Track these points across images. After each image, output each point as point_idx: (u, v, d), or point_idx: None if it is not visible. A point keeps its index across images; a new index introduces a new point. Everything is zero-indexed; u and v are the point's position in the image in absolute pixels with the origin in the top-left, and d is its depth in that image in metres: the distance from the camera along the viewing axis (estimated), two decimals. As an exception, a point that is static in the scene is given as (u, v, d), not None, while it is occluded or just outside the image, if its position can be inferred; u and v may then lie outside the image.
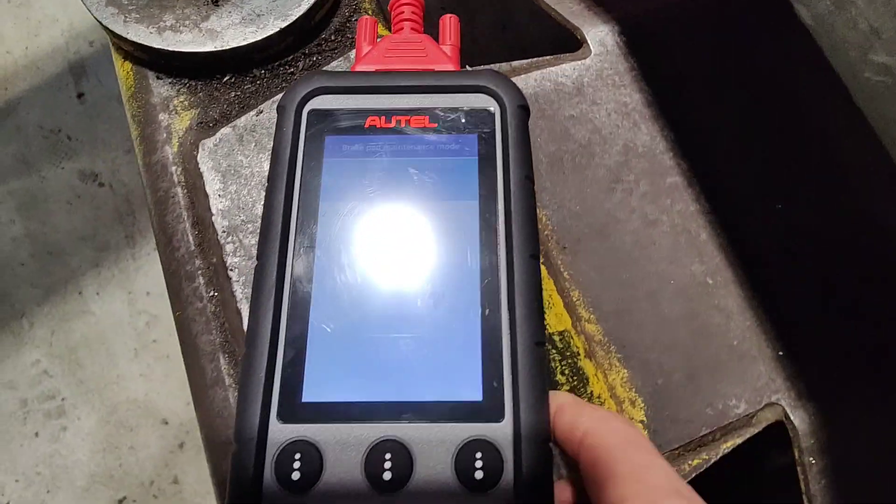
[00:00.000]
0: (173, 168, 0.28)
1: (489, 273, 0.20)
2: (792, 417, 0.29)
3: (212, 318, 0.25)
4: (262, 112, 0.29)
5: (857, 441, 0.29)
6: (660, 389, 0.29)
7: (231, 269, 0.26)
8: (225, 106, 0.29)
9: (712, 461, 0.28)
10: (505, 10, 0.52)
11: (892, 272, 0.32)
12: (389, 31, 0.29)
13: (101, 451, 0.90)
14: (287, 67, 0.31)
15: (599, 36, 0.36)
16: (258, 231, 0.27)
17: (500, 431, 0.19)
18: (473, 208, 0.21)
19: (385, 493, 0.18)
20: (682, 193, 0.33)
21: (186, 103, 0.30)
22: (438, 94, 0.23)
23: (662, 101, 0.35)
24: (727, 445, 0.29)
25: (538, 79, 0.35)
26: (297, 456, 0.18)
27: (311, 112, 0.23)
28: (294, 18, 0.30)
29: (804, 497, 0.29)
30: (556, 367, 0.28)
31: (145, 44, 0.29)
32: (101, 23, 0.31)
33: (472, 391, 0.19)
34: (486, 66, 0.32)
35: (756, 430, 0.29)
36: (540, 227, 0.31)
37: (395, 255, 0.22)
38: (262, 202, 0.27)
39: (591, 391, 0.28)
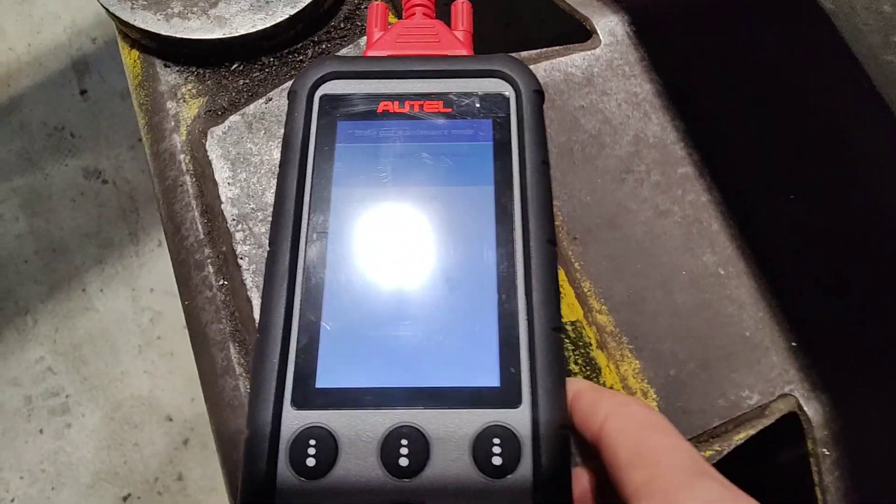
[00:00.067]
0: (181, 156, 0.28)
1: (505, 258, 0.20)
2: (805, 408, 0.29)
3: (221, 306, 0.25)
4: (271, 99, 0.28)
5: (871, 432, 0.29)
6: (672, 380, 0.29)
7: (241, 258, 0.25)
8: (233, 94, 0.29)
9: (725, 453, 0.28)
10: (510, 6, 0.52)
11: (906, 262, 0.31)
12: (399, 19, 0.29)
13: (106, 447, 0.90)
14: (296, 55, 0.30)
15: (609, 26, 0.36)
16: (268, 219, 0.27)
17: (518, 417, 0.18)
18: (489, 193, 0.21)
19: (401, 480, 0.18)
20: (693, 184, 0.33)
21: (194, 91, 0.30)
22: (452, 78, 0.23)
23: (673, 92, 0.35)
24: (740, 437, 0.29)
25: (548, 69, 0.35)
26: (312, 442, 0.18)
27: (322, 97, 0.23)
28: (303, 5, 0.30)
29: (817, 489, 0.29)
30: (569, 357, 0.28)
31: (153, 31, 0.29)
32: (107, 10, 0.31)
33: (489, 377, 0.19)
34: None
35: (769, 422, 0.29)
36: (550, 217, 0.31)
37: (410, 240, 0.21)
38: (273, 190, 0.27)
39: (604, 382, 0.28)
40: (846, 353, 0.30)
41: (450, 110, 0.23)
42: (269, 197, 0.27)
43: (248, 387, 0.24)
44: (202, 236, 0.26)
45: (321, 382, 0.19)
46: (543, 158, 0.22)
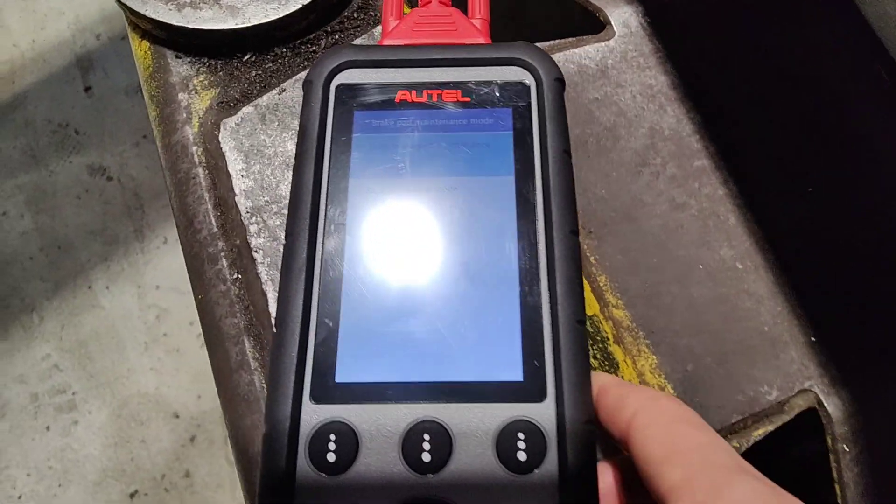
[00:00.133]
0: (194, 148, 0.28)
1: (528, 250, 0.20)
2: (825, 404, 0.29)
3: (236, 300, 0.25)
4: (284, 91, 0.28)
5: (892, 428, 0.29)
6: (690, 375, 0.29)
7: (255, 251, 0.25)
8: (246, 85, 0.29)
9: (743, 449, 0.28)
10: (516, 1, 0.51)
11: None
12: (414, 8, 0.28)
13: (113, 444, 0.90)
14: (309, 46, 0.30)
15: (623, 17, 0.36)
16: (283, 212, 0.27)
17: (543, 412, 0.18)
18: (510, 183, 0.21)
19: (424, 475, 0.18)
20: (709, 177, 0.32)
21: (206, 83, 0.29)
22: (471, 67, 0.23)
23: (688, 83, 0.35)
24: (759, 433, 0.28)
25: (561, 61, 0.34)
26: (332, 437, 0.18)
27: (339, 87, 0.23)
28: (317, -6, 0.30)
29: (836, 485, 0.29)
30: (586, 353, 0.28)
31: (164, 21, 0.29)
32: (118, 0, 0.30)
33: (513, 371, 0.19)
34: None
35: (788, 417, 0.29)
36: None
37: (430, 232, 0.21)
38: (287, 182, 0.27)
39: (622, 377, 0.28)
40: (866, 348, 0.29)
41: (468, 99, 0.22)
42: (284, 189, 0.26)
43: (265, 382, 0.24)
44: (215, 229, 0.26)
45: (341, 377, 0.19)
46: (565, 148, 0.21)
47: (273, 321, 0.24)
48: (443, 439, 0.18)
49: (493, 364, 0.19)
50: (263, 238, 0.25)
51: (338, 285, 0.20)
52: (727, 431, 0.28)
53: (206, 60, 0.30)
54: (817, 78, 0.35)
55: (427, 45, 0.24)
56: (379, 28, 0.30)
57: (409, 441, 0.18)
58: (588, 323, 0.28)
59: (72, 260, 1.00)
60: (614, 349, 0.28)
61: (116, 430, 0.91)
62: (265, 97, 0.28)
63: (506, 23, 0.49)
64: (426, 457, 0.18)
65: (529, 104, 0.22)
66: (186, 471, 0.88)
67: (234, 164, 0.26)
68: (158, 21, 0.29)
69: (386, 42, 0.25)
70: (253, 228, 0.26)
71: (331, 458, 0.18)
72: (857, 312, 0.30)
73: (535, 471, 0.17)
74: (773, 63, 0.35)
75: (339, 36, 0.30)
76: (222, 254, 0.26)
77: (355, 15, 0.31)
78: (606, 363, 0.28)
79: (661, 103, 0.34)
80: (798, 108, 0.34)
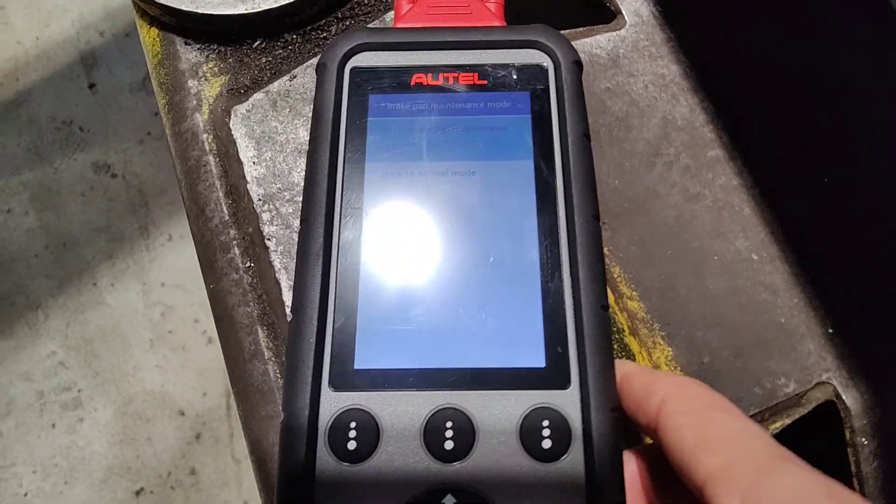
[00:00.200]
0: (204, 136, 0.27)
1: (549, 234, 0.19)
2: (843, 397, 0.28)
3: (248, 289, 0.24)
4: (295, 77, 0.27)
5: (912, 421, 0.28)
6: (706, 368, 0.28)
7: (268, 239, 0.25)
8: (256, 72, 0.28)
9: (761, 442, 0.27)
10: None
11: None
12: None
13: (119, 442, 0.90)
14: (319, 32, 0.30)
15: (634, 6, 0.35)
16: (295, 199, 0.26)
17: (567, 399, 0.18)
18: (529, 167, 0.20)
19: (447, 464, 0.17)
20: (723, 167, 0.32)
21: (216, 69, 0.29)
22: (488, 49, 0.22)
23: (701, 73, 0.34)
24: (776, 426, 0.28)
25: (572, 50, 0.34)
26: (353, 425, 0.18)
27: (353, 70, 0.22)
28: (327, -21, 0.29)
29: (854, 479, 0.28)
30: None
31: (173, 6, 0.28)
32: (127, -15, 0.30)
33: (536, 357, 0.18)
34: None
35: (806, 410, 0.28)
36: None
37: (448, 216, 0.20)
38: (300, 169, 0.26)
39: (637, 369, 0.27)
40: (885, 340, 0.29)
41: (485, 82, 0.22)
42: (296, 176, 0.26)
43: (279, 371, 0.24)
44: (227, 217, 0.26)
45: (360, 363, 0.18)
46: (585, 131, 0.21)
47: (287, 310, 0.24)
48: (465, 427, 0.17)
49: (515, 351, 0.19)
50: (276, 226, 0.25)
51: (356, 270, 0.19)
52: (744, 424, 0.28)
53: (215, 47, 0.30)
54: (833, 66, 0.34)
55: (442, 27, 0.24)
56: (390, 14, 0.30)
57: (431, 429, 0.18)
58: (603, 314, 0.28)
59: (77, 257, 1.00)
60: (630, 341, 0.28)
61: (122, 427, 0.91)
62: (276, 83, 0.27)
63: (517, 13, 0.48)
64: (449, 445, 0.17)
65: (547, 87, 0.22)
66: (192, 468, 0.88)
67: (246, 152, 0.26)
68: (167, 7, 0.28)
69: (399, 25, 0.24)
70: (265, 216, 0.25)
71: (351, 446, 0.17)
72: (876, 303, 0.29)
73: (561, 459, 0.17)
74: (787, 51, 0.34)
75: (350, 22, 0.30)
76: (234, 242, 0.25)
77: (366, 0, 0.30)
78: (622, 355, 0.27)
79: (674, 93, 0.33)
80: (813, 96, 0.34)
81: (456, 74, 0.22)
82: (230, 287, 0.25)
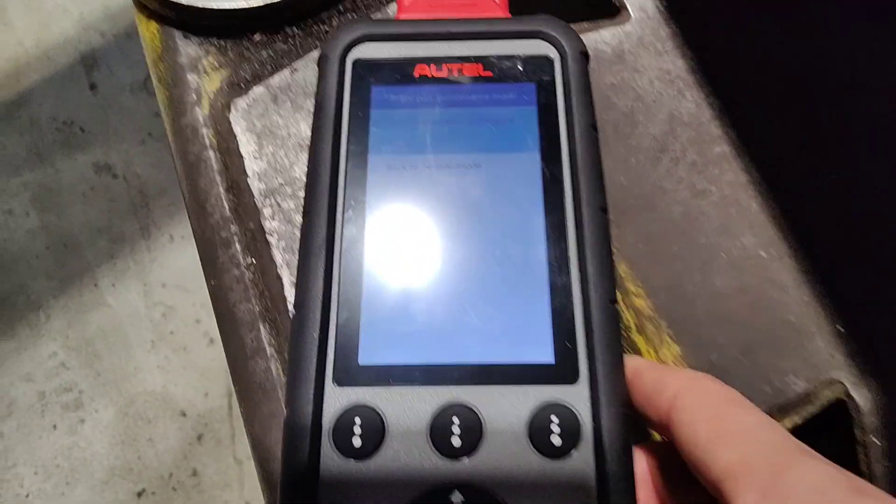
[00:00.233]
0: (204, 130, 0.27)
1: (557, 227, 0.19)
2: (854, 395, 0.28)
3: (250, 285, 0.24)
4: (296, 70, 0.27)
5: (924, 420, 0.28)
6: (714, 366, 0.28)
7: (270, 234, 0.24)
8: (256, 66, 0.28)
9: (771, 441, 0.27)
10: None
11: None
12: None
13: (120, 443, 0.90)
14: (321, 25, 0.29)
15: (639, 1, 0.35)
16: (297, 194, 0.26)
17: (576, 394, 0.17)
18: (536, 160, 0.20)
19: (454, 460, 0.17)
20: (731, 163, 0.32)
21: (216, 63, 0.29)
22: (492, 40, 0.22)
23: (707, 68, 0.34)
24: (785, 425, 0.27)
25: (577, 45, 0.33)
26: (357, 421, 0.17)
27: (355, 61, 0.22)
28: (327, -28, 0.29)
29: (865, 478, 0.28)
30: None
31: (173, 0, 0.28)
32: (125, -20, 0.30)
33: (544, 352, 0.18)
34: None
35: (816, 409, 0.28)
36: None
37: (454, 209, 0.20)
38: (301, 164, 0.26)
39: (644, 367, 0.27)
40: (896, 338, 0.29)
41: (490, 74, 0.21)
42: (298, 171, 0.26)
43: (282, 369, 0.23)
44: (228, 213, 0.25)
45: (365, 359, 0.18)
46: (592, 123, 0.21)
47: (290, 306, 0.24)
48: (473, 423, 0.17)
49: (522, 345, 0.18)
50: (278, 221, 0.25)
51: (359, 264, 0.19)
52: (753, 423, 0.27)
53: (215, 41, 0.29)
54: (842, 60, 0.34)
55: (445, 19, 0.23)
56: (392, 7, 0.30)
57: (438, 425, 0.17)
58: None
59: (78, 258, 1.00)
60: (637, 338, 0.27)
61: (123, 428, 0.91)
62: (277, 77, 0.27)
63: (520, 7, 0.48)
64: (456, 441, 0.17)
65: (554, 78, 0.21)
66: (194, 469, 0.88)
67: (247, 146, 0.26)
68: (167, 0, 0.28)
69: (402, 17, 0.24)
70: (267, 211, 0.25)
71: (356, 442, 0.17)
72: (887, 301, 0.29)
73: (570, 456, 0.17)
74: (795, 45, 0.34)
75: (352, 16, 0.29)
76: (235, 238, 0.25)
77: (368, -7, 0.30)
78: (630, 352, 0.27)
79: (680, 88, 0.33)
80: (822, 92, 0.33)
81: (460, 66, 0.21)
82: (231, 283, 0.24)
